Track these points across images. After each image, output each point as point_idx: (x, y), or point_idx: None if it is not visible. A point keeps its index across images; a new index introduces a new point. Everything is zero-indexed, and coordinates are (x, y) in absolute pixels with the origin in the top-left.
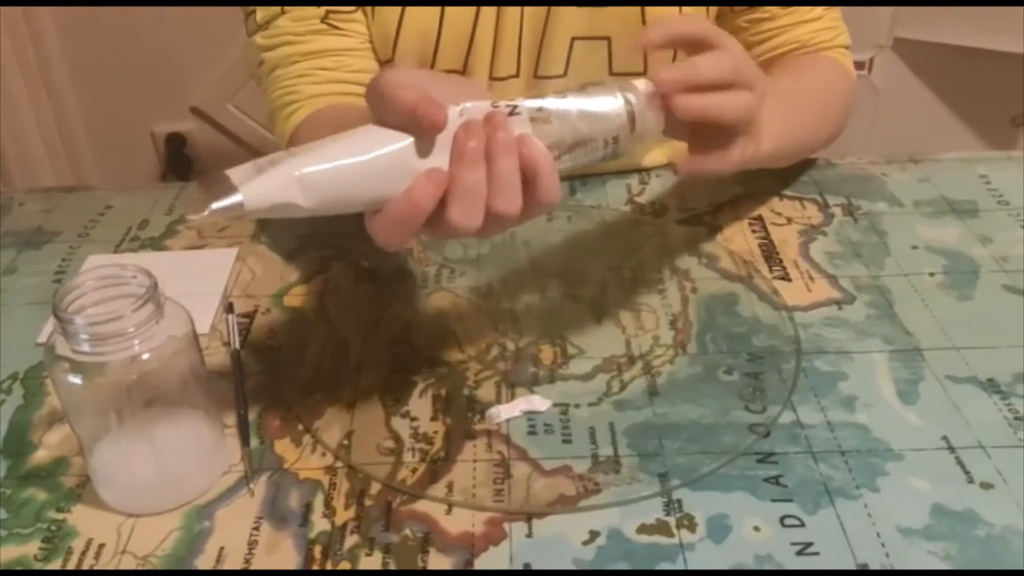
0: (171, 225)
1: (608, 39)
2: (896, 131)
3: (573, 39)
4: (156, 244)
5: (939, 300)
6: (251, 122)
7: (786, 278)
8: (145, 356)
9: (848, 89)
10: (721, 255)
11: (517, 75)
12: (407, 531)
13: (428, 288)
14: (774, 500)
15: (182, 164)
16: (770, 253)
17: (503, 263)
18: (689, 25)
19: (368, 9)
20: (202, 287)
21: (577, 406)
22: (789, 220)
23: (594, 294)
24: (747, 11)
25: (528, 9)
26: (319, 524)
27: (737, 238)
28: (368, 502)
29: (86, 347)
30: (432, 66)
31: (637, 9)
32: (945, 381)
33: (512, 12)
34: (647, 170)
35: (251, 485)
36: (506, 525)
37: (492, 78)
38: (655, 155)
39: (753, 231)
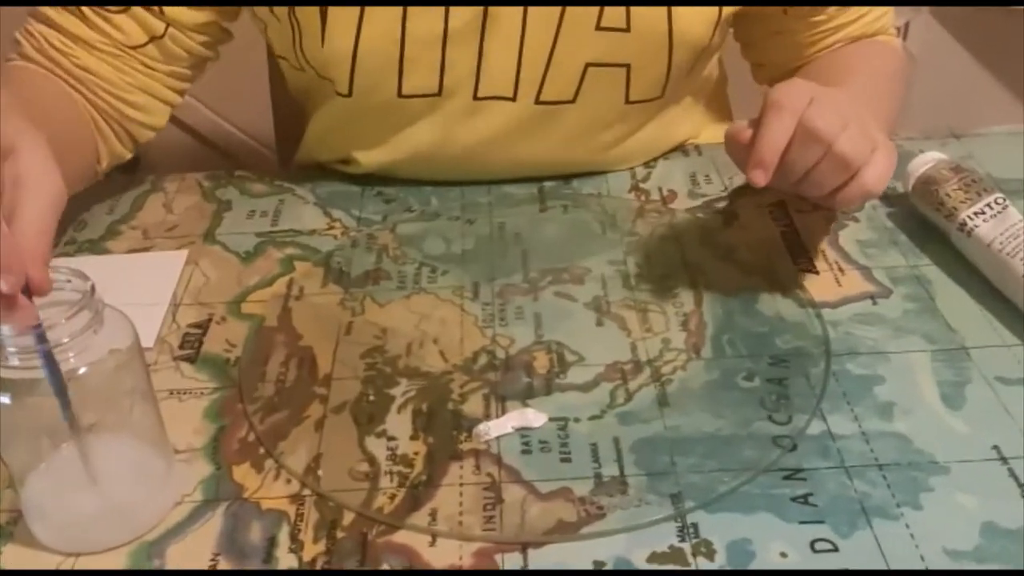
0: (112, 225)
1: (628, 66)
2: (935, 103)
3: (587, 65)
4: (96, 247)
5: (987, 291)
6: (206, 110)
7: (813, 270)
8: (82, 371)
9: (907, 71)
10: (738, 246)
11: (513, 99)
12: (385, 565)
13: (406, 289)
14: (803, 522)
15: None
16: (794, 243)
17: (491, 260)
18: (771, 127)
19: (298, 27)
20: (148, 294)
21: (577, 420)
22: (815, 205)
23: (595, 292)
24: (804, 14)
25: (531, 29)
26: (285, 560)
27: (756, 226)
28: (340, 534)
29: (15, 361)
30: (399, 87)
31: (663, 32)
32: (995, 383)
33: (505, 30)
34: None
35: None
36: (498, 557)
37: (477, 98)
38: (677, 130)
39: (774, 218)
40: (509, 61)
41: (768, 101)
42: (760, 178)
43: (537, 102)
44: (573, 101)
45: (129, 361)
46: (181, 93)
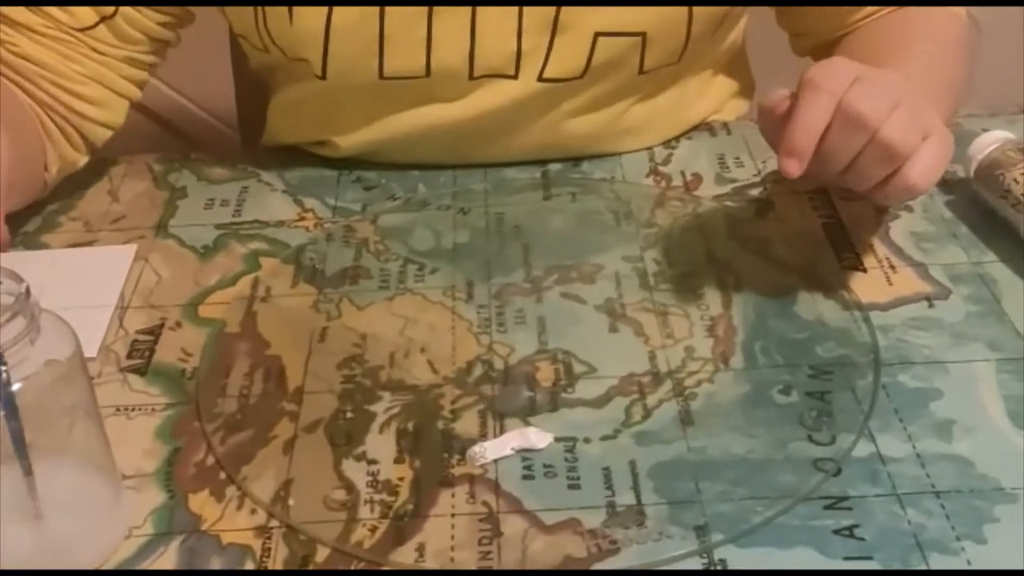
0: (49, 216)
1: (643, 35)
2: (1002, 75)
3: (597, 34)
4: (30, 241)
5: None
6: (156, 82)
7: (860, 267)
8: (17, 386)
9: (971, 40)
10: (774, 239)
11: (515, 76)
12: None
13: (389, 290)
14: (848, 558)
15: None
16: (838, 235)
17: (487, 255)
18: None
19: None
20: (90, 296)
21: (587, 441)
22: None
23: (607, 293)
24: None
25: None
26: None
27: (794, 216)
28: (314, 571)
29: None
30: (380, 68)
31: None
32: None
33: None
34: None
35: None
36: None
37: (473, 78)
38: (696, 107)
39: (815, 207)
40: (507, 33)
41: (803, 81)
42: (793, 168)
43: (541, 79)
44: (582, 77)
45: (69, 374)
46: (140, 85)
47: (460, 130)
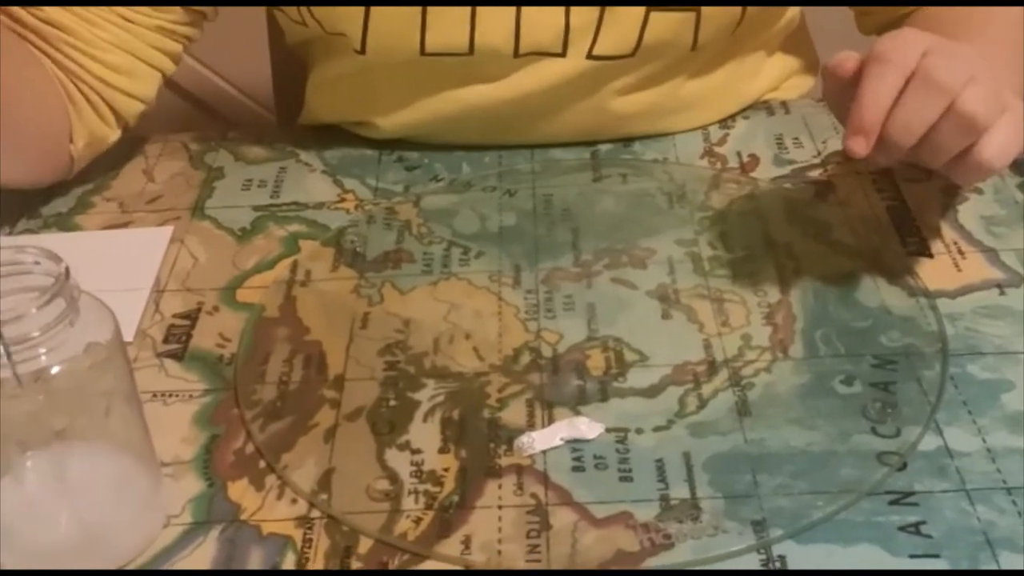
0: (84, 197)
1: (698, 11)
2: None
3: (649, 9)
4: (64, 222)
5: None
6: (191, 61)
7: (926, 253)
8: (55, 370)
9: None
10: (835, 223)
11: (563, 54)
12: None
13: (433, 274)
14: (914, 555)
15: None
16: (903, 219)
17: (534, 239)
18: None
19: None
20: (125, 279)
21: (639, 432)
22: (929, 174)
23: (660, 279)
24: None
25: None
26: None
27: (857, 199)
28: (356, 564)
29: None
30: (422, 44)
31: None
32: None
33: None
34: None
35: None
36: None
37: (518, 55)
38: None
39: (879, 190)
40: (554, 9)
41: (871, 54)
42: (860, 146)
43: (590, 57)
44: (633, 55)
45: (109, 358)
46: (173, 58)
47: (504, 111)
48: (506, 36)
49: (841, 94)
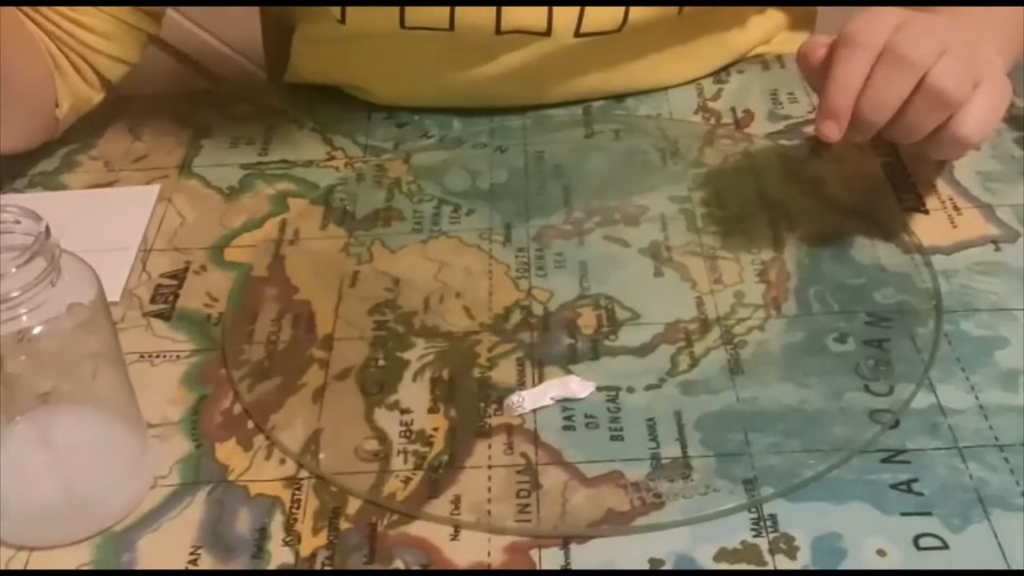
0: (69, 155)
1: None
2: None
3: None
4: (49, 181)
5: None
6: (178, 16)
7: (921, 209)
8: (37, 330)
9: None
10: (830, 179)
11: (548, 33)
12: (398, 562)
13: (423, 232)
14: (906, 514)
15: None
16: (899, 175)
17: (526, 196)
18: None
19: None
20: (112, 238)
21: (630, 390)
22: None
23: (652, 236)
24: None
25: None
26: (278, 555)
27: (852, 156)
28: (345, 525)
29: None
30: (402, 18)
31: None
32: None
33: None
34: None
35: None
36: (534, 553)
37: (500, 33)
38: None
39: (874, 145)
40: None
41: (841, 35)
42: (831, 131)
43: (578, 35)
44: (619, 31)
45: (92, 318)
46: (157, 18)
47: (489, 87)
48: (485, 14)
49: (815, 79)
